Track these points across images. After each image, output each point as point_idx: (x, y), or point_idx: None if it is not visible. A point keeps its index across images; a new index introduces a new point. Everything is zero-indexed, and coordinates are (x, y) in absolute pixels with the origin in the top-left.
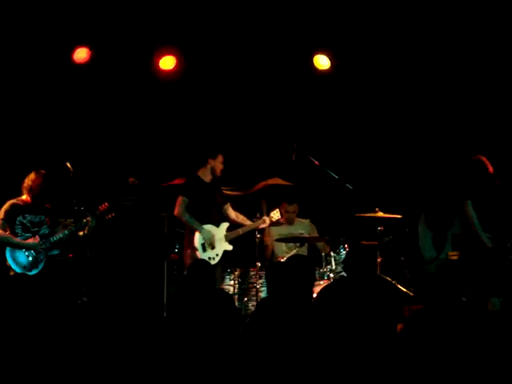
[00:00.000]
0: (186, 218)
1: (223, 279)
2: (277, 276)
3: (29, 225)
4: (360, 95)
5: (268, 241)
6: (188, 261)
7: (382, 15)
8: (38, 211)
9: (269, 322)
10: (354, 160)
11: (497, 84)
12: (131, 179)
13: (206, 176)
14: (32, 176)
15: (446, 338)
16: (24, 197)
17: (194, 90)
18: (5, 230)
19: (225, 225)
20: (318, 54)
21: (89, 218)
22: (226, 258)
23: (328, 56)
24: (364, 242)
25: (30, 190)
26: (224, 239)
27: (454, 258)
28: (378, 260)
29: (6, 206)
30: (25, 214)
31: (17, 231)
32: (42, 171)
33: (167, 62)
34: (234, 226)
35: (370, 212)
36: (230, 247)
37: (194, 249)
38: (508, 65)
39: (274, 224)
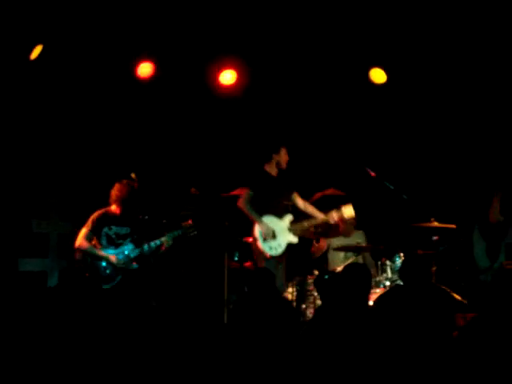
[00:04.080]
0: (247, 209)
1: (286, 286)
2: (330, 286)
3: (114, 237)
4: (415, 107)
5: (320, 247)
6: (254, 250)
7: (438, 28)
8: (125, 223)
9: (326, 330)
10: (409, 171)
11: None
12: (193, 189)
13: (272, 170)
14: (119, 186)
15: (502, 346)
16: (113, 207)
17: (251, 104)
18: (90, 241)
19: (288, 217)
20: (374, 67)
21: (165, 239)
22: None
23: (384, 69)
24: (419, 251)
25: (119, 201)
26: (288, 231)
27: (509, 267)
28: (433, 269)
29: (94, 216)
30: (111, 226)
31: (101, 242)
32: (125, 181)
33: (227, 77)
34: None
35: (425, 222)
36: (295, 239)
37: (255, 239)
38: None
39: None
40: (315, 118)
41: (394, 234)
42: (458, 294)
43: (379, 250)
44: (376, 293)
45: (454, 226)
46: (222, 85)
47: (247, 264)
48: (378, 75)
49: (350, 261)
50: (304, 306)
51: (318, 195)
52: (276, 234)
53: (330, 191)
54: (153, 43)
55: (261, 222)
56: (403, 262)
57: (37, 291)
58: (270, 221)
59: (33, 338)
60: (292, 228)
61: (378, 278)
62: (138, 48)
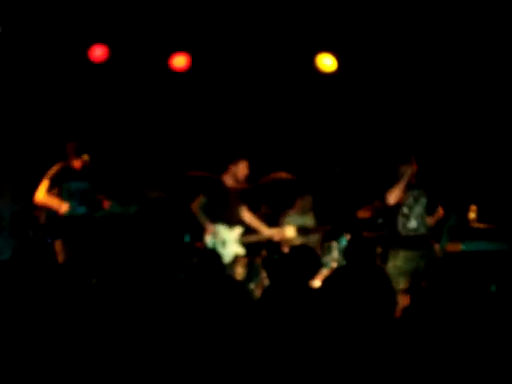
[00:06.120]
0: (199, 214)
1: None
2: (277, 267)
3: (74, 191)
4: (361, 93)
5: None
6: None
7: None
8: (85, 178)
9: (273, 309)
10: (355, 154)
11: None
12: (146, 172)
13: (228, 180)
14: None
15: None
16: (74, 162)
17: (204, 88)
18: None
19: (238, 229)
20: (322, 54)
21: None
22: None
23: (333, 56)
24: (364, 233)
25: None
26: (236, 243)
27: (450, 249)
28: (378, 251)
29: (54, 169)
30: (71, 180)
31: (63, 197)
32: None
33: (180, 62)
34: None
35: (370, 204)
36: (241, 252)
37: (206, 246)
38: None
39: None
40: (264, 103)
41: (340, 216)
42: None
43: (325, 232)
44: (323, 273)
45: None
46: (174, 69)
47: (198, 244)
48: (325, 62)
49: (302, 241)
50: (252, 286)
51: (268, 178)
52: (225, 244)
53: (281, 175)
54: (106, 26)
55: (211, 229)
56: (348, 244)
57: None
58: (221, 229)
59: None
60: (241, 240)
61: (324, 259)
62: (91, 31)
